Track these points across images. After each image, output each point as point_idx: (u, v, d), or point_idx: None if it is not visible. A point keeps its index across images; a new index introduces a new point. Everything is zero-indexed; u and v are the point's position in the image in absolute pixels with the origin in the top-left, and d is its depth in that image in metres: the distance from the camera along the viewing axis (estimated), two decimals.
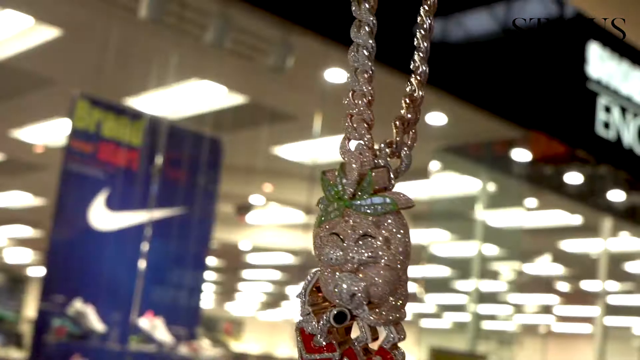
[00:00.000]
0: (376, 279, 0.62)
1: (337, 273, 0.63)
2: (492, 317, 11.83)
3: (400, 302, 0.64)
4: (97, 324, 5.62)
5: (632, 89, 7.18)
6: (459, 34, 6.12)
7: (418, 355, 9.35)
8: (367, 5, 0.69)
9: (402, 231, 0.63)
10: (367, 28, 0.69)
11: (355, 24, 0.70)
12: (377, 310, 0.63)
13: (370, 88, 0.68)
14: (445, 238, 11.61)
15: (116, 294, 6.07)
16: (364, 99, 0.68)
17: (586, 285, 16.28)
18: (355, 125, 0.68)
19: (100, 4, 5.92)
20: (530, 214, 10.53)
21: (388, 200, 0.63)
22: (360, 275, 0.62)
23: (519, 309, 16.58)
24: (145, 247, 6.20)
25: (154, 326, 5.92)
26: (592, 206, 9.63)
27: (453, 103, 6.24)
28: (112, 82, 7.08)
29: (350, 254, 0.63)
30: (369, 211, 0.63)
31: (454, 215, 10.03)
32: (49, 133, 9.56)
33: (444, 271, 13.73)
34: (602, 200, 9.31)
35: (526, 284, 15.01)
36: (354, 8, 0.69)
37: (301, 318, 0.66)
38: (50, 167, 9.45)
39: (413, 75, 0.69)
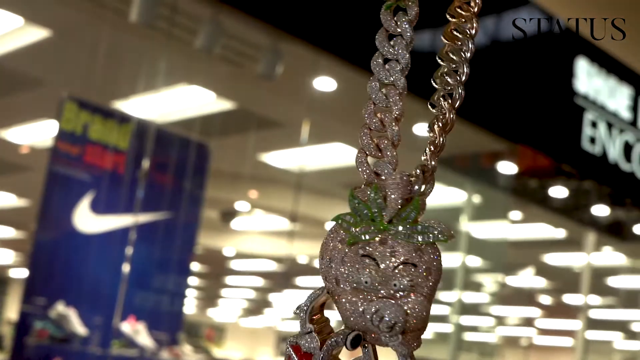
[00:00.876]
0: (417, 309, 0.61)
1: (381, 299, 0.61)
2: (474, 329, 11.86)
3: (421, 331, 0.63)
4: (79, 327, 5.59)
5: (619, 105, 7.22)
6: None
7: None
8: (408, 18, 0.66)
9: (439, 262, 0.63)
10: (404, 42, 0.66)
11: (382, 33, 0.67)
12: (405, 338, 0.62)
13: (401, 105, 0.66)
14: None
15: (99, 297, 6.05)
16: (391, 116, 0.67)
17: (568, 298, 16.34)
18: (377, 142, 0.67)
19: (91, 6, 5.91)
20: (514, 227, 10.56)
21: (437, 230, 0.62)
22: (400, 303, 0.61)
23: (501, 321, 16.62)
24: (129, 251, 6.19)
25: (136, 331, 5.90)
26: (576, 220, 9.67)
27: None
28: (100, 84, 7.06)
29: (390, 280, 0.61)
30: (414, 239, 0.62)
31: None
32: (36, 134, 9.53)
33: None
34: (586, 214, 9.36)
35: (509, 296, 15.04)
36: (387, 17, 0.66)
37: (299, 335, 0.65)
38: (35, 168, 9.42)
39: (444, 99, 0.67)
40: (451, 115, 0.67)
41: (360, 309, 0.62)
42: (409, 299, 0.61)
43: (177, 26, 6.01)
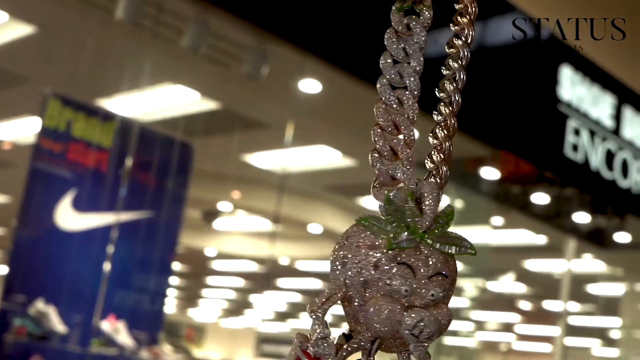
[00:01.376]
0: (447, 319, 0.61)
1: (420, 309, 0.61)
2: (453, 333, 11.89)
3: None
4: (58, 325, 5.57)
5: (602, 113, 7.27)
6: (433, 50, 6.15)
7: None
8: (422, 21, 0.67)
9: (457, 273, 0.63)
10: (417, 45, 0.67)
11: (391, 33, 0.67)
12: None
13: (416, 107, 0.67)
14: None
15: (79, 295, 6.02)
16: (406, 119, 0.67)
17: (548, 305, 16.41)
18: (390, 143, 0.67)
19: (77, 3, 5.89)
20: (496, 232, 10.60)
21: (466, 242, 0.63)
22: (436, 314, 0.61)
23: (480, 325, 16.67)
24: (110, 249, 6.17)
25: (116, 330, 5.88)
26: (557, 227, 9.71)
27: (424, 119, 6.27)
28: (85, 82, 7.03)
29: (426, 290, 0.61)
30: (447, 249, 0.62)
31: None
32: (19, 130, 9.48)
33: None
34: (567, 221, 9.40)
35: (489, 301, 15.10)
36: (398, 19, 0.66)
37: (314, 340, 0.62)
38: (17, 164, 9.37)
39: (444, 106, 0.68)
40: (452, 121, 0.68)
41: (393, 317, 0.61)
42: (442, 309, 0.62)
43: (163, 25, 6.00)
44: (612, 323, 14.81)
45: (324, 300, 0.63)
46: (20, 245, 5.94)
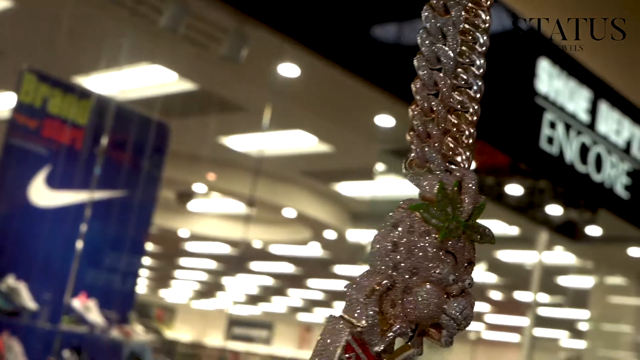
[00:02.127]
0: (475, 306, 0.63)
1: (463, 297, 0.63)
2: None
3: None
4: (28, 301, 5.54)
5: (578, 108, 7.32)
6: (413, 38, 6.15)
7: None
8: (460, 3, 0.67)
9: None
10: (456, 29, 0.67)
11: (430, 11, 0.67)
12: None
13: (451, 91, 0.68)
14: None
15: (51, 272, 6.00)
16: (442, 102, 0.67)
17: (518, 295, 16.54)
18: (425, 125, 0.67)
19: None
20: None
21: (489, 231, 0.63)
22: (472, 300, 0.63)
23: None
24: (83, 227, 6.14)
25: (87, 307, 5.87)
26: (529, 219, 9.78)
27: (401, 106, 6.28)
28: (62, 58, 6.98)
29: (464, 278, 0.62)
30: (476, 238, 0.63)
31: None
32: None
33: None
34: (540, 213, 9.47)
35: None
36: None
37: (364, 327, 0.62)
38: None
39: (462, 93, 0.68)
40: (476, 107, 0.68)
41: (440, 304, 0.62)
42: (472, 297, 0.63)
43: (143, 3, 5.96)
44: (581, 315, 14.96)
45: (375, 286, 0.62)
46: None
